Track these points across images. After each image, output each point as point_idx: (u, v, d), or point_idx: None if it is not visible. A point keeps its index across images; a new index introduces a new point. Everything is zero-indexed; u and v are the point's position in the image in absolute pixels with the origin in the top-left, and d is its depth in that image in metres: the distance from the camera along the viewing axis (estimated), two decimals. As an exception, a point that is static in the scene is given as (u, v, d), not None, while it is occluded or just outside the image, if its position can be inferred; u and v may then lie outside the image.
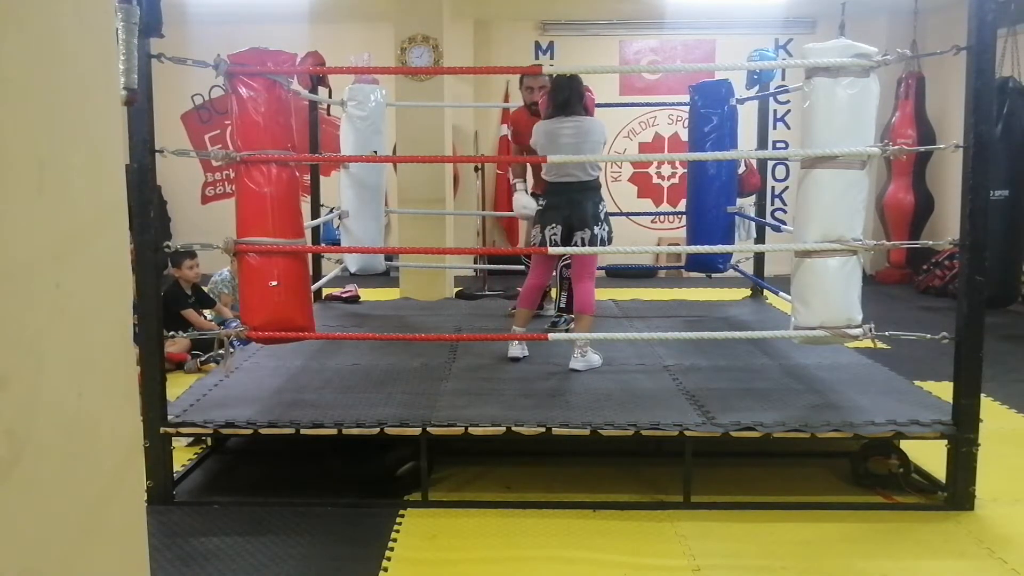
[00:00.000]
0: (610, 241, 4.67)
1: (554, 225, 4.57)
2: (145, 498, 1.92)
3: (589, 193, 4.56)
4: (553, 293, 5.89)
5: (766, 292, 6.11)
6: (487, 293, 8.12)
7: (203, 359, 5.95)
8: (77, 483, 1.30)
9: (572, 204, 4.53)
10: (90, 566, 1.34)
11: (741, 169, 5.94)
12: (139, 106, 3.37)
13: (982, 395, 3.66)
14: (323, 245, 6.80)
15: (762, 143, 6.20)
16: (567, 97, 4.53)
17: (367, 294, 6.93)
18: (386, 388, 4.20)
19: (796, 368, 4.54)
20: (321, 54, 5.42)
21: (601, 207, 4.59)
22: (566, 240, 4.55)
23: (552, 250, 4.46)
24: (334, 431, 3.68)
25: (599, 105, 8.07)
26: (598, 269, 8.36)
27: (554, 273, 5.23)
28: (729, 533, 3.46)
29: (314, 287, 5.49)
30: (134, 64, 2.96)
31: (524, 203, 4.95)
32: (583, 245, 4.51)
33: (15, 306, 1.13)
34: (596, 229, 4.53)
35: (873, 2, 8.96)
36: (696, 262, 6.07)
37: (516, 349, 4.70)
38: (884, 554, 3.29)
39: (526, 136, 4.89)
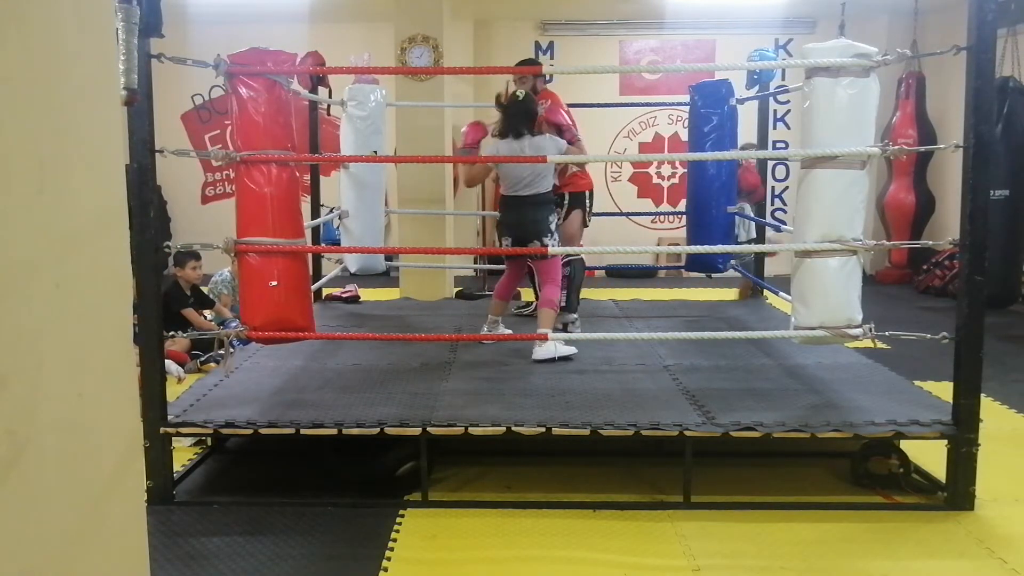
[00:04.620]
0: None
1: (507, 237, 4.93)
2: (145, 498, 1.92)
3: (540, 207, 4.82)
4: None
5: (766, 292, 6.10)
6: (487, 293, 8.08)
7: (203, 359, 5.96)
8: (77, 483, 1.30)
9: (522, 217, 4.83)
10: (90, 566, 1.34)
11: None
12: (139, 106, 3.37)
13: (982, 395, 3.66)
14: (323, 245, 6.80)
15: (762, 143, 6.20)
16: (513, 124, 4.75)
17: (367, 294, 6.93)
18: (386, 388, 4.19)
19: (796, 368, 4.54)
20: (321, 54, 5.42)
21: (551, 219, 4.85)
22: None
23: (553, 250, 4.67)
24: (334, 431, 3.68)
25: (598, 105, 8.12)
26: (598, 269, 8.44)
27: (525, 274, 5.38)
28: (729, 533, 3.46)
29: (314, 287, 5.49)
30: (134, 64, 2.96)
31: None
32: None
33: (15, 306, 1.13)
34: (546, 240, 4.78)
35: (873, 2, 8.96)
36: (696, 262, 6.08)
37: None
38: (884, 554, 3.29)
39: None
